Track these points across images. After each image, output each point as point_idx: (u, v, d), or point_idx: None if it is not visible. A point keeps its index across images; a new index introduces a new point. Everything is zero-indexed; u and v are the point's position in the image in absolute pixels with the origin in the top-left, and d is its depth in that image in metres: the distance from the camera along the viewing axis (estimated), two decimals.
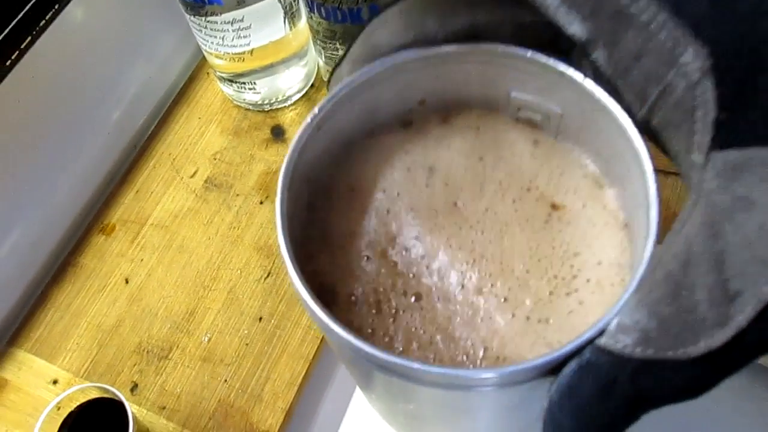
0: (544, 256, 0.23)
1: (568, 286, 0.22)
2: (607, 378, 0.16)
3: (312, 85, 0.51)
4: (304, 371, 0.38)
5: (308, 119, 0.22)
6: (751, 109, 0.15)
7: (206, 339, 0.40)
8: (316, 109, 0.22)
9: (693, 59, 0.16)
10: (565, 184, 0.24)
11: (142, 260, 0.44)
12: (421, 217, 0.24)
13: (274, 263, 0.42)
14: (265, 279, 0.41)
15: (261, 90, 0.48)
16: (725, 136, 0.16)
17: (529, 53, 0.22)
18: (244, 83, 0.47)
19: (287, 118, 0.49)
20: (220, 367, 0.39)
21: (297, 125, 0.45)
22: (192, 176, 0.46)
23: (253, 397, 0.38)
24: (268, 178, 0.45)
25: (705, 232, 0.15)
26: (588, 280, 0.22)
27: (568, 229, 0.23)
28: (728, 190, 0.15)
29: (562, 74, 0.21)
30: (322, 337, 0.39)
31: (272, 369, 0.38)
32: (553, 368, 0.17)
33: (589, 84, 0.21)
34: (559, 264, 0.22)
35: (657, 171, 0.19)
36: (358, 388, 0.38)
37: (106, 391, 0.35)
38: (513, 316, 0.22)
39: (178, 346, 0.40)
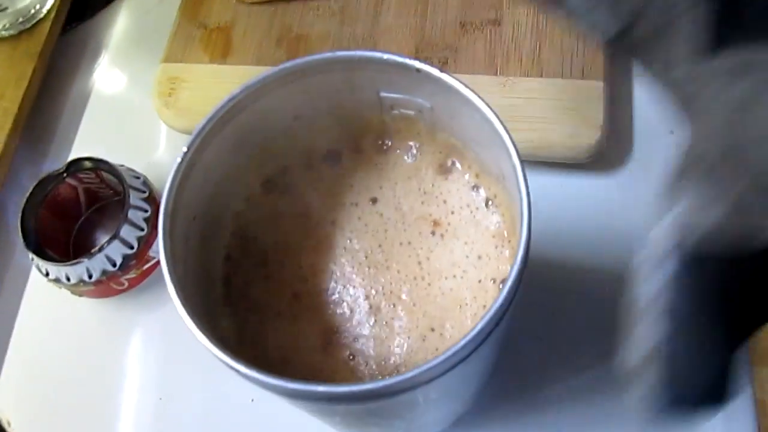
0: None
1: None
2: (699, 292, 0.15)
3: None
4: None
5: (178, 159, 0.21)
6: (749, 6, 0.15)
7: None
8: (185, 147, 0.22)
9: None
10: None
11: None
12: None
13: None
14: None
15: None
16: (726, 34, 0.15)
17: (386, 55, 0.22)
18: None
19: None
20: None
21: None
22: None
23: None
24: None
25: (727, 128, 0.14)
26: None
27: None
28: (739, 85, 0.15)
29: (419, 71, 0.22)
30: None
31: None
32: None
33: (446, 77, 0.21)
34: None
35: (516, 146, 0.20)
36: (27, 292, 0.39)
37: None
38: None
39: None
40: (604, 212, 0.36)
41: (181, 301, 0.19)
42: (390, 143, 0.27)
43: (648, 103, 0.39)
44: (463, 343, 0.18)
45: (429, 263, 0.26)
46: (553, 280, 0.35)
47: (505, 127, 0.20)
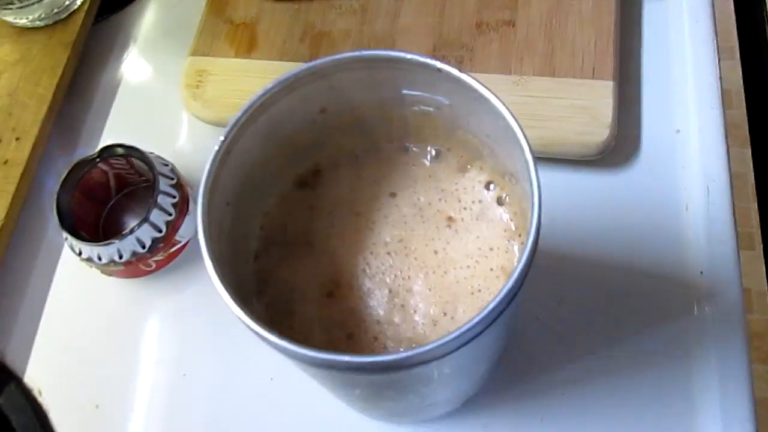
0: None
1: None
2: None
3: None
4: None
5: (216, 147, 0.23)
6: None
7: None
8: (221, 136, 0.24)
9: None
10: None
11: None
12: None
13: None
14: None
15: None
16: None
17: (409, 55, 0.24)
18: None
19: None
20: None
21: None
22: None
23: None
24: None
25: None
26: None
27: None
28: None
29: (440, 70, 0.23)
30: (1, 226, 0.40)
31: None
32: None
33: (465, 77, 0.23)
34: None
35: (529, 142, 0.22)
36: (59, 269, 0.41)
37: None
38: None
39: None
40: (611, 207, 0.38)
41: (218, 276, 0.21)
42: (410, 143, 0.29)
43: (656, 102, 0.40)
44: (475, 320, 0.19)
45: (444, 253, 0.27)
46: (561, 270, 0.36)
47: (518, 124, 0.22)
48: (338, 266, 0.28)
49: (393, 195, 0.29)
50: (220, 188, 0.24)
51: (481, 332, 0.21)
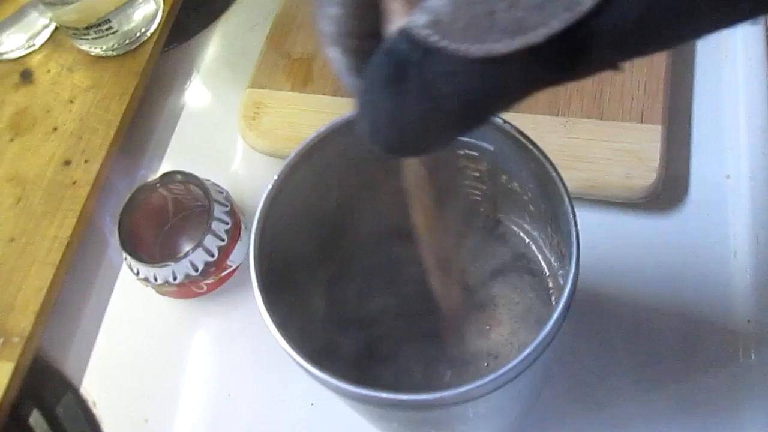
0: None
1: None
2: (399, 59, 0.15)
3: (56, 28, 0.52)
4: (50, 277, 0.42)
5: (269, 186, 0.25)
6: None
7: None
8: (275, 175, 0.25)
9: None
10: None
11: None
12: None
13: (23, 190, 0.46)
14: (16, 205, 0.45)
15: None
16: None
17: None
18: None
19: (34, 62, 0.52)
20: None
21: (44, 67, 0.51)
22: None
23: (6, 307, 0.42)
24: (17, 117, 0.49)
25: None
26: None
27: None
28: None
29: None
30: (67, 243, 0.43)
31: (23, 280, 0.42)
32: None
33: (509, 127, 0.24)
34: None
35: (568, 192, 0.22)
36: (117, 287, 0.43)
37: None
38: None
39: None
40: (657, 251, 0.38)
41: (265, 306, 0.22)
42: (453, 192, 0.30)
43: (706, 147, 0.40)
44: (511, 364, 0.20)
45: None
46: (603, 313, 0.36)
47: (559, 175, 0.22)
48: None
49: None
50: (272, 224, 0.25)
51: (517, 376, 0.21)
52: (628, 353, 0.36)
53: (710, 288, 0.36)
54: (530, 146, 0.23)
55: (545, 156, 0.23)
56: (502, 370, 0.20)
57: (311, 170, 0.27)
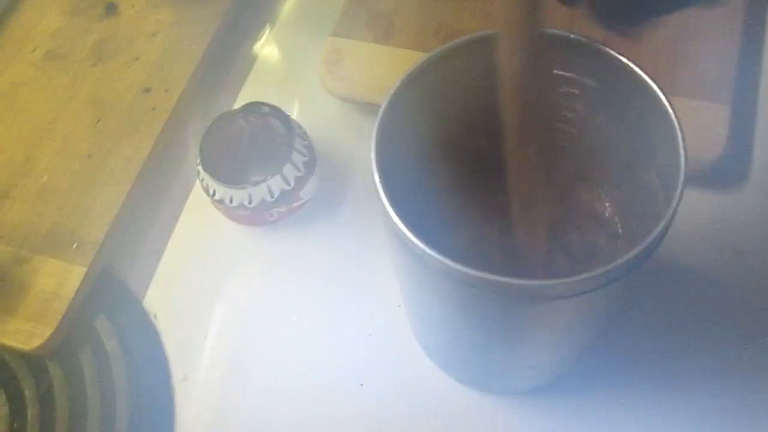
0: None
1: None
2: None
3: None
4: (125, 193, 0.44)
5: (387, 99, 0.26)
6: None
7: (44, 178, 0.46)
8: (391, 90, 0.27)
9: None
10: None
11: None
12: None
13: (103, 112, 0.48)
14: (96, 125, 0.47)
15: None
16: None
17: (572, 35, 0.26)
18: None
19: None
20: (54, 198, 0.45)
21: (128, 2, 0.53)
22: (32, 51, 0.52)
23: (82, 217, 0.44)
24: (101, 45, 0.52)
25: None
26: None
27: None
28: None
29: (600, 51, 0.26)
30: (143, 163, 0.45)
31: (99, 193, 0.45)
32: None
33: (626, 60, 0.25)
34: None
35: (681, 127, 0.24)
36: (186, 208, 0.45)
37: None
38: None
39: (17, 187, 0.46)
40: (718, 227, 0.39)
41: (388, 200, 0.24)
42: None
43: None
44: (631, 255, 0.21)
45: None
46: (664, 283, 0.38)
47: (678, 120, 0.24)
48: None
49: None
50: (387, 138, 0.26)
51: (624, 275, 0.22)
52: (689, 317, 0.37)
53: None
54: (650, 83, 0.25)
55: (659, 87, 0.24)
56: (619, 261, 0.21)
57: (416, 94, 0.28)
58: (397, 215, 0.23)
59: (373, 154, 0.25)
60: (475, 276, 0.22)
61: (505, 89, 0.23)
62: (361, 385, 0.38)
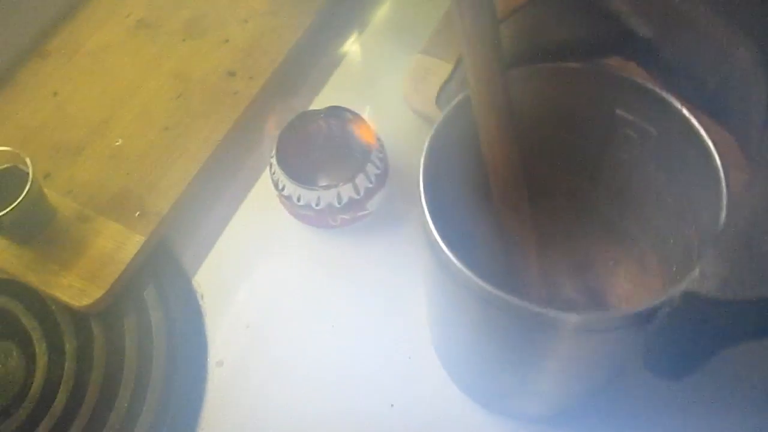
0: None
1: None
2: (697, 317, 0.20)
3: None
4: (196, 171, 0.45)
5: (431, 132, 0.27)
6: None
7: (119, 142, 0.46)
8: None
9: (745, 55, 0.20)
10: None
11: (71, 79, 0.50)
12: None
13: (186, 87, 0.49)
14: (177, 99, 0.48)
15: None
16: None
17: (639, 79, 0.26)
18: None
19: None
20: (125, 163, 0.46)
21: None
22: (126, 17, 0.53)
23: (149, 186, 0.44)
24: (192, 23, 0.52)
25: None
26: None
27: None
28: None
29: (663, 100, 0.25)
30: (218, 145, 0.46)
31: (170, 166, 0.45)
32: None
33: (687, 112, 0.25)
34: None
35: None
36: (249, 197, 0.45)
37: (17, 157, 0.41)
38: None
39: (91, 146, 0.46)
40: None
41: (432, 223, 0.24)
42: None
43: None
44: (660, 299, 0.21)
45: None
46: None
47: (726, 175, 0.23)
48: None
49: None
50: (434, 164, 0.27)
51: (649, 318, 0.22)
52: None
53: None
54: (704, 137, 0.24)
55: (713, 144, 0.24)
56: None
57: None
58: (435, 229, 0.24)
59: (422, 168, 0.26)
60: (517, 305, 0.22)
61: (482, 142, 0.27)
62: (392, 405, 0.38)
